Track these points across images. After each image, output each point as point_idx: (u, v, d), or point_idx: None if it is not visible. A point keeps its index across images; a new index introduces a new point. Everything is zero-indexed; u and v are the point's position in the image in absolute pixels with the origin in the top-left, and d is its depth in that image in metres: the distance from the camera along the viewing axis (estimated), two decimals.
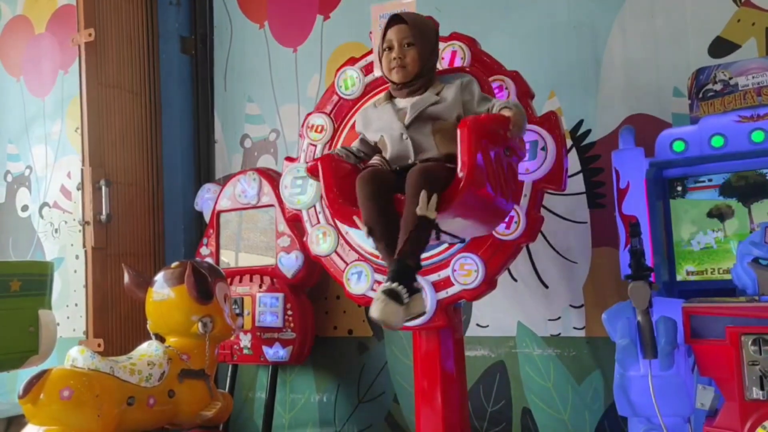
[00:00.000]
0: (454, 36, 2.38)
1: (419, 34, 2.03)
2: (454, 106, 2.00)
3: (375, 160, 2.06)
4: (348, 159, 2.12)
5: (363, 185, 1.91)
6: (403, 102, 2.06)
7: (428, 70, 2.08)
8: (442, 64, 2.37)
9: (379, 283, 2.37)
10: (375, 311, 1.73)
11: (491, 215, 2.05)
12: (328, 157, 2.07)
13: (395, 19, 2.05)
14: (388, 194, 1.91)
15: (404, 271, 1.77)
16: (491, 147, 1.90)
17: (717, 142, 2.18)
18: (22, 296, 2.73)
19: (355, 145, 2.17)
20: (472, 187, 1.80)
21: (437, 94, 2.02)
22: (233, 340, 3.02)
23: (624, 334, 1.89)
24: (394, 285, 1.74)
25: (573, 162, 2.74)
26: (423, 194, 1.75)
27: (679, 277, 2.25)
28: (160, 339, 2.65)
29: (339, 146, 2.22)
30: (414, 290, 1.78)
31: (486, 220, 2.08)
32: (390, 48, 2.04)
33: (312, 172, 2.08)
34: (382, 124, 2.06)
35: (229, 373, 3.18)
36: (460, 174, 1.81)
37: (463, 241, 2.26)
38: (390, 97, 2.11)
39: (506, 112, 1.92)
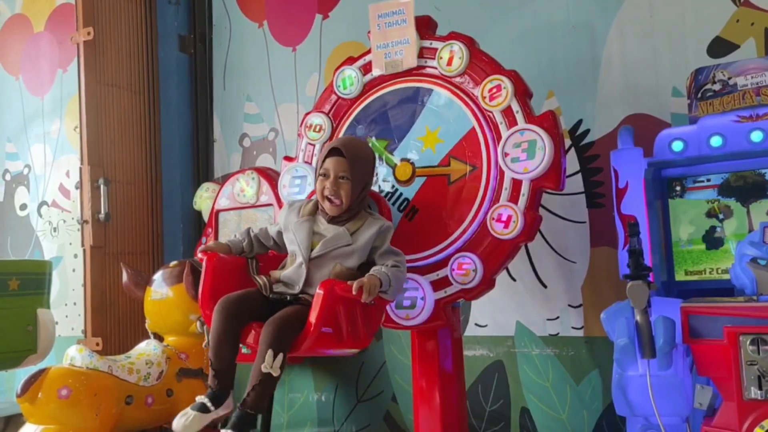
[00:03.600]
0: (453, 35, 2.38)
1: (356, 169, 2.13)
2: (363, 252, 2.12)
3: (260, 280, 2.15)
4: (248, 254, 2.24)
5: (217, 312, 2.02)
6: (322, 226, 2.16)
7: (358, 203, 2.17)
8: (441, 64, 2.38)
9: None
10: None
11: (339, 352, 2.17)
12: (213, 257, 2.16)
13: (335, 151, 2.13)
14: (238, 326, 2.03)
15: (245, 421, 1.92)
16: (346, 308, 2.02)
17: (716, 142, 2.17)
18: (21, 295, 2.73)
19: (273, 230, 2.27)
20: (316, 343, 1.97)
21: (353, 234, 2.12)
22: None
23: (622, 333, 1.89)
24: None
25: (572, 162, 2.74)
26: (269, 353, 1.90)
27: (677, 277, 2.25)
28: (159, 338, 2.66)
29: (253, 235, 2.28)
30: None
31: (335, 354, 2.24)
32: (326, 175, 2.14)
33: (201, 262, 2.18)
34: (295, 240, 2.15)
35: None
36: (311, 325, 1.95)
37: None
38: (314, 212, 2.20)
39: (366, 277, 1.99)
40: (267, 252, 2.30)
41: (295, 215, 2.20)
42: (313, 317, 1.95)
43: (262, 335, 1.96)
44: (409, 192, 2.41)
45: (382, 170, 2.45)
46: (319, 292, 1.95)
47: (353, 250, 2.11)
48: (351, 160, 2.12)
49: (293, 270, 2.13)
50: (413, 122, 2.42)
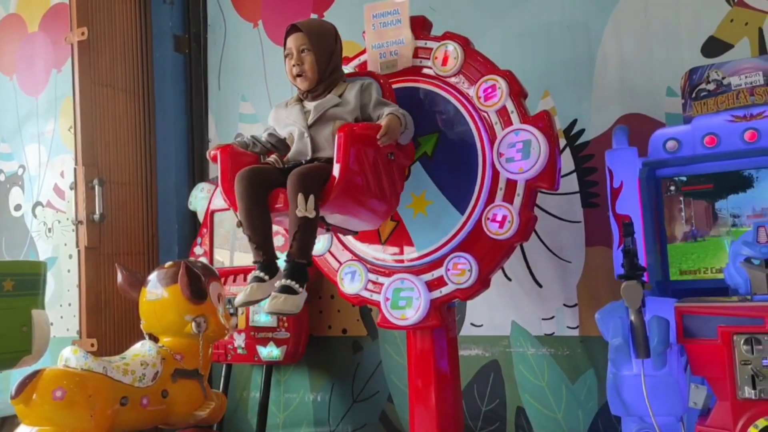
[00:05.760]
0: (447, 35, 2.38)
1: (315, 40, 2.19)
2: (354, 108, 2.18)
3: (270, 158, 2.21)
4: (253, 148, 2.28)
5: (238, 182, 2.07)
6: (310, 104, 2.22)
7: (329, 73, 2.22)
8: (436, 64, 2.38)
9: (373, 282, 2.39)
10: (273, 307, 1.93)
11: (368, 212, 2.22)
12: (228, 148, 2.21)
13: (292, 29, 2.21)
14: (264, 192, 2.08)
15: (297, 270, 1.98)
16: (368, 152, 2.07)
17: (710, 141, 2.18)
18: (15, 296, 2.72)
19: (264, 135, 2.33)
20: (344, 189, 2.00)
21: (340, 96, 2.18)
22: (227, 339, 3.02)
23: (617, 333, 1.90)
24: (289, 282, 1.96)
25: (566, 161, 2.74)
26: (300, 197, 1.94)
27: (672, 277, 2.25)
28: (154, 339, 2.65)
29: (249, 135, 2.35)
30: (304, 282, 2.00)
31: (364, 216, 2.24)
32: (290, 55, 2.19)
33: (215, 160, 2.21)
34: (289, 122, 2.23)
35: (223, 373, 3.17)
36: (335, 176, 1.99)
37: (355, 233, 2.38)
38: (300, 99, 2.26)
39: (383, 121, 2.06)
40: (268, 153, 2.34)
41: (283, 108, 2.28)
42: (338, 160, 1.97)
43: (288, 188, 1.98)
44: None
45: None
46: (339, 134, 1.99)
47: (345, 110, 2.16)
48: (308, 33, 2.19)
49: (297, 142, 2.19)
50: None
